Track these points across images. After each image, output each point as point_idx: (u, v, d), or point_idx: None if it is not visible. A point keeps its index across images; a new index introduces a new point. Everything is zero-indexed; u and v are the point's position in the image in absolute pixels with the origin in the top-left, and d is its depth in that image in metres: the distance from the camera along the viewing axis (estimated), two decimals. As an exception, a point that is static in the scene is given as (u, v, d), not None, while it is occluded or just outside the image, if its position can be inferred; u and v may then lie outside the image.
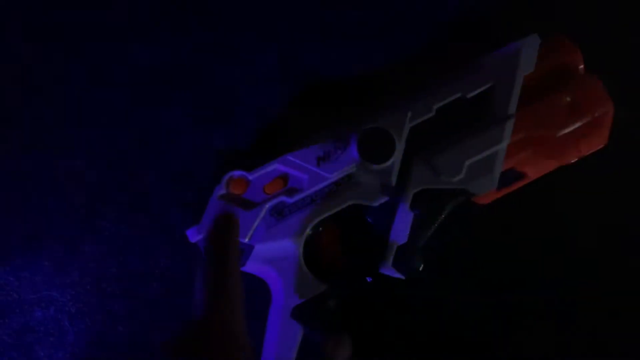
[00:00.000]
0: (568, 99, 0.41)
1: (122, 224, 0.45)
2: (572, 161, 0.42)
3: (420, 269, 0.41)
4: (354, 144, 0.41)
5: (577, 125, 0.41)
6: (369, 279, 0.41)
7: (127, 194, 0.45)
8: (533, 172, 0.42)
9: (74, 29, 0.45)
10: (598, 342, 0.45)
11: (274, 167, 0.42)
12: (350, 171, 0.42)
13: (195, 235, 0.41)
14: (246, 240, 0.41)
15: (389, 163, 0.41)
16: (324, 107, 0.46)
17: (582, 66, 0.42)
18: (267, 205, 0.41)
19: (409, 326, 0.45)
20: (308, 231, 0.41)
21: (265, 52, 0.46)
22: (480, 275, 0.46)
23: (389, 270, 0.40)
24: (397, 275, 0.40)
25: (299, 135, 0.44)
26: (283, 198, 0.41)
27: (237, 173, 0.42)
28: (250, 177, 0.42)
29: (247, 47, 0.45)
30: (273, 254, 0.41)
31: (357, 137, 0.41)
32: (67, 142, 0.45)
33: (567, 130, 0.41)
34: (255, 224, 0.41)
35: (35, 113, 0.44)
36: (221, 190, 0.41)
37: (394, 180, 0.41)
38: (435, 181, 0.41)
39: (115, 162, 0.45)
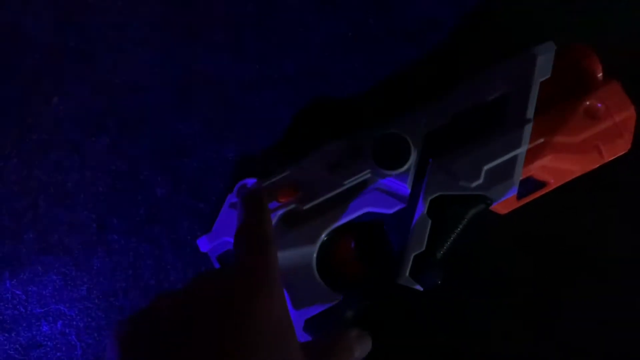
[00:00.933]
0: (587, 103, 0.41)
1: (132, 237, 0.44)
2: (594, 167, 0.41)
3: (439, 280, 0.39)
4: (369, 150, 0.40)
5: (597, 130, 0.40)
6: (385, 291, 0.40)
7: (138, 207, 0.44)
8: (554, 180, 0.41)
9: (82, 34, 0.45)
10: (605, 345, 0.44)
11: (287, 174, 0.41)
12: (365, 177, 0.41)
13: (206, 245, 0.40)
14: None
15: (404, 169, 0.40)
16: (338, 114, 0.45)
17: (600, 73, 0.42)
18: (279, 214, 0.40)
19: (414, 330, 0.44)
20: (322, 239, 0.40)
21: (280, 59, 0.45)
22: (486, 278, 0.45)
23: (406, 281, 0.39)
24: (415, 286, 0.39)
25: (313, 142, 0.44)
26: (296, 206, 0.40)
27: (249, 181, 0.41)
28: (262, 186, 0.41)
29: (260, 57, 0.45)
30: (286, 263, 0.40)
31: (372, 143, 0.40)
32: (78, 153, 0.44)
33: (586, 136, 0.40)
34: None
35: (45, 123, 0.44)
36: (233, 199, 0.41)
37: (410, 186, 0.40)
38: (453, 187, 0.40)
39: (126, 174, 0.44)
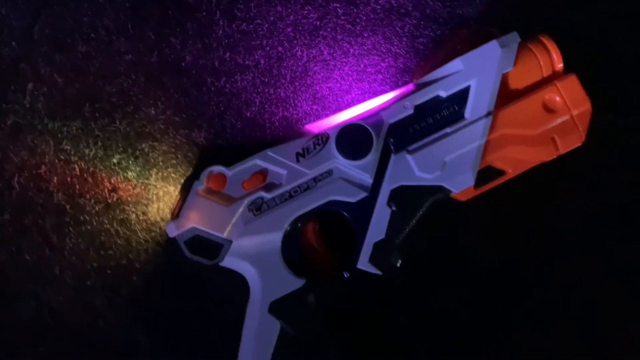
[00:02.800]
0: (546, 97, 0.42)
1: (103, 218, 0.45)
2: (550, 159, 0.42)
3: (398, 265, 0.41)
4: (333, 140, 0.41)
5: (555, 123, 0.42)
6: (346, 275, 0.41)
7: (109, 189, 0.45)
8: (511, 170, 0.42)
9: (58, 22, 0.45)
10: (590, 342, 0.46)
11: (253, 162, 0.42)
12: (330, 167, 0.42)
13: (173, 231, 0.41)
14: (224, 235, 0.41)
15: (367, 159, 0.41)
16: (308, 102, 0.46)
17: (561, 65, 0.43)
18: (246, 201, 0.41)
19: (395, 327, 0.46)
20: (287, 227, 0.41)
21: (250, 48, 0.46)
22: (469, 277, 0.46)
23: (366, 266, 0.41)
24: (374, 271, 0.41)
25: (282, 130, 0.45)
26: (262, 193, 0.42)
27: (216, 168, 0.42)
28: (229, 173, 0.42)
29: (231, 45, 0.46)
30: (252, 249, 0.41)
31: (336, 133, 0.41)
32: (52, 137, 0.45)
33: (545, 129, 0.42)
34: (234, 219, 0.41)
35: (20, 109, 0.45)
36: (200, 186, 0.42)
37: (372, 176, 0.41)
38: (412, 178, 0.41)
39: (98, 158, 0.45)
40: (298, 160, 0.42)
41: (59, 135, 0.45)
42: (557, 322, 0.46)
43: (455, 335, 0.45)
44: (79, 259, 0.44)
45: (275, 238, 0.41)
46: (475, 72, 0.42)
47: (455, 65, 0.42)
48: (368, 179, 0.41)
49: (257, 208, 0.42)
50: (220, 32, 0.45)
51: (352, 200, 0.41)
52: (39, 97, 0.45)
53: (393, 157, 0.42)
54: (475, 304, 0.46)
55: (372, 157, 0.41)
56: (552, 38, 0.43)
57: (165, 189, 0.45)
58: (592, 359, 0.46)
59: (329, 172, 0.42)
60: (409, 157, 0.41)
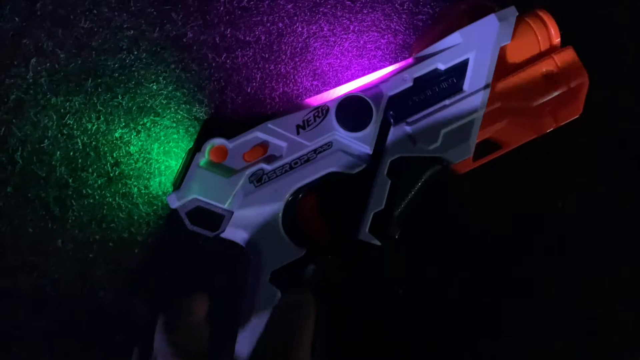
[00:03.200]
0: (544, 69, 0.42)
1: (105, 192, 0.45)
2: (547, 131, 0.43)
3: (397, 236, 0.41)
4: (333, 112, 0.42)
5: (552, 95, 0.42)
6: (346, 246, 0.41)
7: (112, 163, 0.45)
8: (509, 143, 0.43)
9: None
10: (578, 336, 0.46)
11: (254, 135, 0.42)
12: (330, 139, 0.42)
13: (175, 202, 0.42)
14: (225, 206, 0.41)
15: (366, 131, 0.42)
16: (308, 77, 0.47)
17: (558, 39, 0.43)
18: (247, 172, 0.42)
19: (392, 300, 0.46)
20: (287, 198, 0.42)
21: (251, 24, 0.46)
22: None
23: (366, 236, 0.41)
24: (374, 241, 0.41)
25: (280, 107, 0.45)
26: (262, 165, 0.42)
27: (217, 141, 0.42)
28: (230, 145, 0.42)
29: (232, 21, 0.46)
30: (252, 220, 0.42)
31: (336, 105, 0.42)
32: (55, 111, 0.46)
33: (542, 101, 0.42)
34: (235, 190, 0.42)
35: (23, 83, 0.46)
36: (201, 158, 0.42)
37: (371, 148, 0.42)
38: (411, 149, 0.42)
39: (101, 133, 0.45)
40: (298, 133, 0.42)
41: (62, 110, 0.45)
42: (544, 290, 0.46)
43: (451, 310, 0.46)
44: (81, 232, 0.45)
45: (275, 209, 0.42)
46: (474, 45, 0.42)
47: (453, 38, 0.43)
48: (367, 151, 0.42)
49: (258, 179, 0.42)
50: (221, 8, 0.46)
51: (352, 171, 0.42)
52: (42, 72, 0.45)
53: (392, 129, 0.42)
54: (468, 277, 0.46)
55: (371, 129, 0.42)
56: (549, 12, 0.43)
57: (167, 164, 0.45)
58: (580, 332, 0.46)
59: (329, 144, 0.42)
60: (408, 128, 0.42)
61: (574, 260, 0.46)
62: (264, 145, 0.43)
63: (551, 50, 0.43)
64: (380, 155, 0.42)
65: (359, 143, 0.42)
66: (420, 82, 0.43)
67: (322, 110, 0.42)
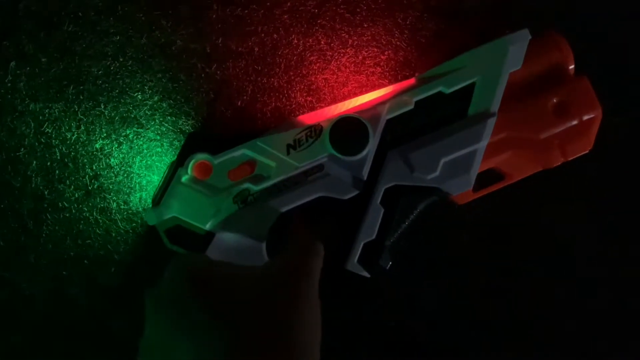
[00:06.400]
0: (555, 100, 0.39)
1: (83, 206, 0.43)
2: (554, 165, 0.40)
3: (387, 267, 0.39)
4: (327, 134, 0.39)
5: (562, 128, 0.39)
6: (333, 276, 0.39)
7: (91, 176, 0.43)
8: (514, 174, 0.40)
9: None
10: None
11: (241, 152, 0.40)
12: (321, 162, 0.40)
13: (153, 219, 0.39)
14: (206, 227, 0.39)
15: (361, 155, 0.39)
16: (301, 92, 0.44)
17: (572, 66, 0.40)
18: (232, 192, 0.39)
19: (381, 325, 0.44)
20: (272, 221, 0.39)
21: (244, 34, 0.44)
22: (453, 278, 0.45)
23: (354, 267, 0.39)
24: (363, 273, 0.39)
25: (271, 122, 0.43)
26: (248, 185, 0.39)
27: (201, 156, 0.40)
28: (215, 161, 0.40)
29: (224, 31, 0.44)
30: (235, 244, 0.39)
31: (330, 126, 0.39)
32: (33, 118, 0.43)
33: (551, 133, 0.39)
34: (218, 211, 0.39)
35: (1, 87, 0.44)
36: (184, 173, 0.40)
37: (365, 173, 0.39)
38: (408, 178, 0.39)
39: (80, 143, 0.43)
40: (289, 152, 0.40)
41: (40, 118, 0.43)
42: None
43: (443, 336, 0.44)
44: (56, 247, 0.43)
45: (260, 233, 0.39)
46: (481, 69, 0.40)
47: (460, 60, 0.40)
48: (361, 176, 0.39)
49: (243, 200, 0.39)
50: (214, 15, 0.43)
51: (343, 197, 0.39)
52: (21, 76, 0.43)
53: (389, 155, 0.39)
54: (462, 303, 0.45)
55: (367, 153, 0.39)
56: (564, 36, 0.40)
57: (149, 178, 0.43)
58: None
59: (320, 167, 0.40)
60: (406, 155, 0.39)
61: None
62: (252, 163, 0.40)
63: (564, 78, 0.40)
64: (374, 181, 0.39)
65: (353, 167, 0.39)
66: (422, 105, 0.40)
67: (315, 130, 0.40)
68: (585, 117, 0.39)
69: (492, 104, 0.39)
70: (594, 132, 0.40)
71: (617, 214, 0.45)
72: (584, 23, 0.44)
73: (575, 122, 0.39)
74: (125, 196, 0.43)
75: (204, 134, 0.43)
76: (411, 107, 0.40)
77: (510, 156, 0.40)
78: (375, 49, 0.44)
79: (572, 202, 0.45)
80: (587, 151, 0.40)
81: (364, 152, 0.39)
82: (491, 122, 0.39)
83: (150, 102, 0.43)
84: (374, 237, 0.39)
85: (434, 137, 0.39)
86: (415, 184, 0.39)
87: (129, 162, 0.43)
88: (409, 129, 0.40)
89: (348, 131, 0.39)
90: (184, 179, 0.40)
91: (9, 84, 0.43)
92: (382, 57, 0.44)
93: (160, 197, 0.40)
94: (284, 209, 0.39)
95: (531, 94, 0.40)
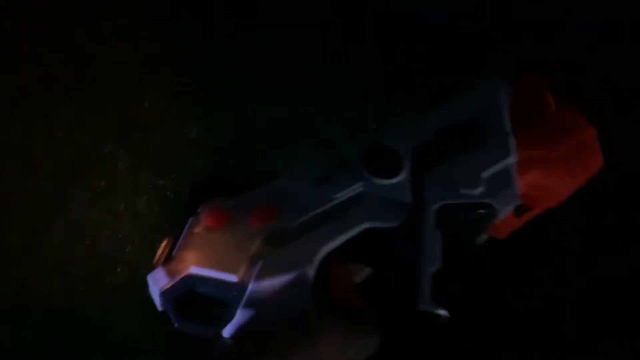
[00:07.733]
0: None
1: (92, 208, 0.44)
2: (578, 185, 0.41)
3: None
4: (358, 161, 0.37)
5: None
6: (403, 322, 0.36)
7: (99, 179, 0.43)
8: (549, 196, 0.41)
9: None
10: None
11: (265, 191, 0.37)
12: (358, 190, 0.37)
13: (163, 279, 0.35)
14: (236, 280, 0.34)
15: (400, 177, 0.37)
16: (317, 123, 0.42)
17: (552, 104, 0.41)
18: (260, 235, 0.36)
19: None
20: (315, 264, 0.35)
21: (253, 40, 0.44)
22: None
23: (429, 305, 0.35)
24: (440, 311, 0.35)
25: (279, 140, 0.41)
26: (282, 224, 0.36)
27: (214, 203, 0.36)
28: (234, 204, 0.36)
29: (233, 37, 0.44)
30: (273, 293, 0.34)
31: (360, 154, 0.37)
32: (44, 121, 0.43)
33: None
34: (247, 258, 0.35)
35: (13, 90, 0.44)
36: (196, 223, 0.36)
37: (409, 195, 0.37)
38: (455, 195, 0.37)
39: (90, 146, 0.43)
40: (318, 187, 0.37)
41: (52, 121, 0.43)
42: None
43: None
44: (65, 247, 0.43)
45: (303, 278, 0.34)
46: (483, 107, 0.40)
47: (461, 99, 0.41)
48: (405, 199, 0.37)
49: (276, 241, 0.35)
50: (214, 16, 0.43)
51: (392, 224, 0.36)
52: (34, 80, 0.42)
53: (427, 176, 0.38)
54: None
55: (404, 175, 0.37)
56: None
57: (155, 183, 0.43)
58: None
59: (358, 197, 0.37)
60: (444, 173, 0.38)
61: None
62: (276, 203, 0.36)
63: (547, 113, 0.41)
64: (420, 205, 0.37)
65: (394, 191, 0.37)
66: (441, 134, 0.39)
67: (341, 160, 0.38)
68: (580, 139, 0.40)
69: (505, 126, 0.39)
70: (596, 150, 0.40)
71: (616, 214, 0.46)
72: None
73: (571, 147, 0.40)
74: (132, 199, 0.43)
75: (211, 143, 0.42)
76: (431, 136, 0.39)
77: (537, 178, 0.40)
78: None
79: (572, 202, 0.44)
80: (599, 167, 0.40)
81: (402, 173, 0.37)
82: (511, 140, 0.39)
83: (158, 107, 0.43)
84: (440, 265, 0.35)
85: (464, 158, 0.39)
86: (466, 200, 0.37)
87: (136, 165, 0.43)
88: (436, 154, 0.39)
89: (379, 156, 0.37)
90: (196, 229, 0.35)
91: (23, 89, 0.43)
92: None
93: (167, 253, 0.35)
94: (327, 248, 0.35)
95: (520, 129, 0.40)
